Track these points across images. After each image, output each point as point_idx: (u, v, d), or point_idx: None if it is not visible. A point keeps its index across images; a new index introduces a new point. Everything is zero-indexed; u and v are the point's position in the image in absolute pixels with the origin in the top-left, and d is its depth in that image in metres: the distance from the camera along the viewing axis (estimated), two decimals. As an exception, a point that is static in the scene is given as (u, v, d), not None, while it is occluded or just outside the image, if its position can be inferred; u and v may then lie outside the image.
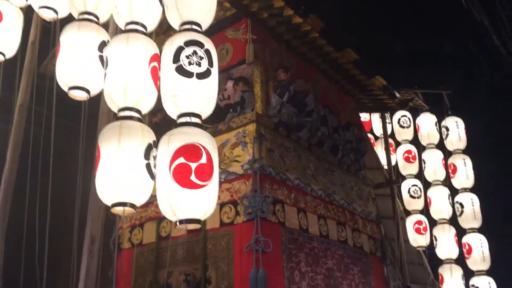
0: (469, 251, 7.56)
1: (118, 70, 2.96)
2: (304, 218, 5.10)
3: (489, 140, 9.54)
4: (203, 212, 2.75)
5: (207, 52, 3.04)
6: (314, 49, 6.02)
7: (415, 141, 8.66)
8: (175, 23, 3.15)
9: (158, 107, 3.24)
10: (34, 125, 4.67)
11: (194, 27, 3.09)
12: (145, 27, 3.17)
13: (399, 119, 8.77)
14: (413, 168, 8.42)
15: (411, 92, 7.40)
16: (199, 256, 4.73)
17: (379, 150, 8.73)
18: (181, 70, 2.92)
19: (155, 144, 2.96)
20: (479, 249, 7.48)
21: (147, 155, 2.85)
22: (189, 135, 2.79)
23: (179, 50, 2.98)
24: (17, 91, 4.62)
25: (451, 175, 8.06)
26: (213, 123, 4.96)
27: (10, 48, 4.27)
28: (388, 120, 8.74)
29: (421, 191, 8.17)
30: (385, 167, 8.33)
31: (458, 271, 7.49)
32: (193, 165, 2.71)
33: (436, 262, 7.78)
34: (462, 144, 8.16)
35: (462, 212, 7.77)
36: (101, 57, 3.23)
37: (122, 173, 2.80)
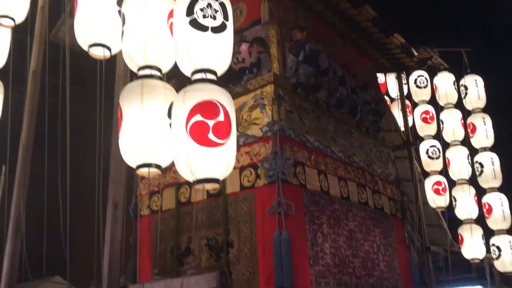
0: (489, 210, 7.48)
1: (137, 26, 2.86)
2: (325, 180, 5.02)
3: (508, 98, 9.31)
4: (222, 171, 2.66)
5: (222, 5, 2.92)
6: (330, 7, 5.83)
7: (433, 101, 8.50)
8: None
9: (173, 72, 3.14)
10: (49, 95, 4.59)
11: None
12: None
13: (416, 80, 8.60)
14: (431, 129, 8.30)
15: (429, 50, 7.18)
16: (220, 221, 4.69)
17: (396, 112, 8.57)
18: (195, 24, 2.80)
19: (178, 103, 2.86)
20: (500, 208, 7.41)
21: (170, 114, 2.75)
22: (205, 91, 2.69)
23: (193, 2, 2.85)
24: (29, 58, 4.52)
25: (470, 134, 7.92)
26: (229, 86, 4.84)
27: (20, 13, 4.15)
28: (404, 81, 8.56)
29: (439, 152, 8.06)
30: (402, 129, 8.20)
31: (478, 231, 7.44)
32: (211, 123, 2.62)
33: (457, 225, 7.72)
34: (482, 102, 7.99)
35: (481, 172, 7.67)
36: (120, 13, 3.11)
37: (146, 133, 2.72)
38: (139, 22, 2.85)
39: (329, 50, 5.89)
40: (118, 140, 2.86)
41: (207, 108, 2.63)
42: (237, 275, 4.41)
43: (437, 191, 7.91)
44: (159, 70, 2.92)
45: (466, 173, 7.71)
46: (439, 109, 8.29)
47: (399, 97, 8.31)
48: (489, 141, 7.78)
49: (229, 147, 2.67)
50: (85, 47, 3.14)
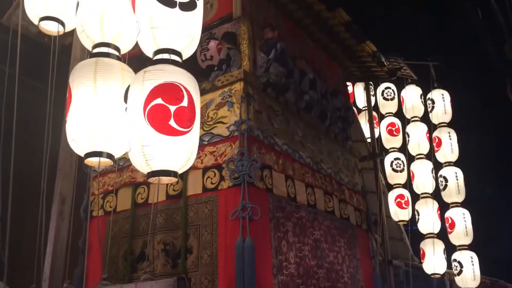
0: (452, 225, 7.45)
1: (93, -1, 2.52)
2: (292, 186, 4.78)
3: (474, 114, 9.40)
4: (181, 163, 2.37)
5: (193, -20, 2.63)
6: (304, 8, 5.64)
7: (399, 114, 8.47)
8: None
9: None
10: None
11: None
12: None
13: (383, 91, 8.57)
14: (397, 142, 8.25)
15: (400, 61, 7.12)
16: (179, 224, 4.36)
17: (363, 123, 8.50)
18: (161, -2, 2.50)
19: (137, 87, 2.54)
20: (462, 223, 7.39)
21: (127, 98, 2.44)
22: (168, 72, 2.40)
23: (160, -27, 2.55)
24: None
25: (436, 148, 7.91)
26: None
27: None
28: (371, 93, 8.50)
29: (404, 165, 8.00)
30: (369, 140, 8.12)
31: (440, 245, 7.38)
32: (172, 108, 2.33)
33: (419, 239, 7.65)
34: (448, 117, 8.01)
35: (445, 186, 7.65)
36: (74, -16, 2.78)
37: (98, 117, 2.40)
38: (97, -6, 2.53)
39: (300, 52, 5.70)
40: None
41: (170, 91, 2.34)
42: (195, 283, 4.09)
43: (399, 205, 7.83)
44: (117, 48, 2.61)
45: (430, 187, 7.67)
46: (405, 122, 8.26)
47: (366, 108, 8.22)
48: (454, 155, 7.78)
49: (192, 137, 2.38)
50: (35, 21, 2.79)
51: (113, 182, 5.02)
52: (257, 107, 4.57)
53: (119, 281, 4.44)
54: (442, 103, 7.98)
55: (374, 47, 6.40)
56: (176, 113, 2.30)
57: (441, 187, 7.71)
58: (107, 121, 2.41)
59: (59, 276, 2.78)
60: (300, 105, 5.28)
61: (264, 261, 4.11)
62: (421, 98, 8.22)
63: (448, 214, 7.57)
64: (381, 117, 8.54)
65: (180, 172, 2.42)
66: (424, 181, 7.69)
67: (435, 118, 8.01)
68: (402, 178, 7.97)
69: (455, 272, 7.30)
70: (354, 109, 8.61)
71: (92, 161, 2.54)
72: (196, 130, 2.41)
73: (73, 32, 3.15)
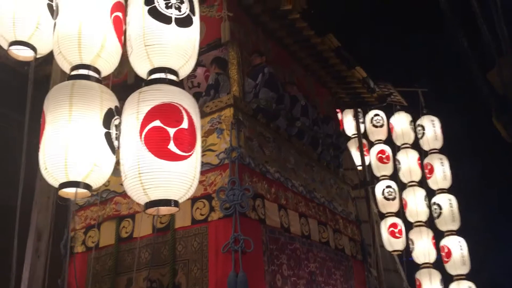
0: (448, 254, 7.24)
1: (71, 18, 2.33)
2: (285, 216, 4.55)
3: (464, 140, 9.34)
4: (183, 191, 2.15)
5: (188, -5, 2.46)
6: (293, 34, 5.53)
7: (389, 141, 8.35)
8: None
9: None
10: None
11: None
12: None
13: (372, 118, 8.46)
14: (387, 169, 8.09)
15: (389, 86, 7.03)
16: (167, 260, 4.08)
17: (352, 151, 8.35)
18: (156, 14, 2.34)
19: (118, 110, 2.34)
20: (459, 252, 7.18)
21: (106, 123, 2.23)
22: (166, 92, 2.20)
23: (153, -12, 2.37)
24: None
25: (428, 175, 7.78)
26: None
27: None
28: (360, 120, 8.39)
29: (396, 193, 7.83)
30: (359, 168, 7.94)
31: (436, 276, 7.16)
32: (172, 131, 2.12)
33: (415, 268, 7.41)
34: (439, 143, 7.91)
35: (440, 214, 7.47)
36: (50, 6, 2.60)
37: (73, 144, 2.16)
38: (74, 13, 2.33)
39: (289, 78, 5.57)
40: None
41: (168, 112, 2.14)
42: (184, 323, 3.80)
43: (393, 234, 7.62)
44: (96, 71, 2.40)
45: (424, 215, 7.50)
46: (395, 149, 8.14)
47: (355, 136, 8.09)
48: (447, 182, 7.64)
49: (193, 162, 2.17)
50: (4, 46, 2.59)
51: (95, 215, 4.74)
52: (248, 134, 4.38)
53: (101, 323, 4.13)
54: (432, 129, 7.89)
55: (364, 73, 6.30)
56: (176, 136, 2.10)
57: (435, 215, 7.53)
58: (84, 148, 2.18)
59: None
60: (291, 131, 5.10)
61: (259, 297, 3.85)
62: (410, 124, 8.13)
63: (443, 242, 7.38)
64: (371, 144, 8.41)
65: (181, 201, 2.19)
66: (417, 209, 7.51)
67: (426, 144, 7.90)
68: (394, 206, 7.78)
69: (454, 303, 7.07)
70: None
71: (67, 192, 2.29)
72: (197, 155, 2.20)
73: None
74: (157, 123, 2.10)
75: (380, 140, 8.32)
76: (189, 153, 2.13)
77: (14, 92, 3.84)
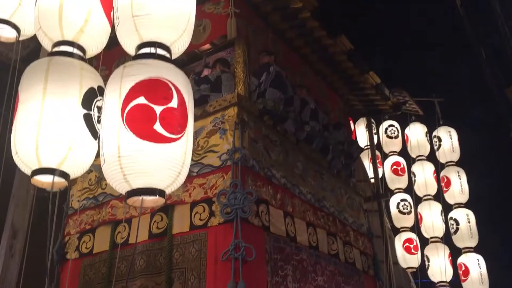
0: (466, 273, 6.83)
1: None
2: (292, 224, 4.24)
3: (482, 153, 8.95)
4: (170, 178, 1.87)
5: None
6: (304, 35, 5.29)
7: (404, 152, 8.01)
8: None
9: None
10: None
11: None
12: None
13: (386, 129, 8.14)
14: (402, 182, 7.74)
15: (405, 94, 6.73)
16: (163, 268, 3.80)
17: (365, 162, 8.02)
18: (146, -20, 2.07)
19: (102, 91, 2.08)
20: (477, 270, 6.76)
21: (87, 103, 1.97)
22: (153, 67, 1.93)
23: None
24: None
25: (444, 189, 7.40)
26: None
27: None
28: (373, 131, 8.07)
29: (411, 207, 7.47)
30: (372, 180, 7.61)
31: (453, 296, 6.74)
32: (158, 109, 1.84)
33: (430, 287, 7.01)
34: (456, 155, 7.54)
35: (457, 229, 7.08)
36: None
37: (46, 125, 1.91)
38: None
39: (300, 81, 5.31)
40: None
41: (155, 88, 1.87)
42: (179, 337, 3.50)
43: (408, 250, 7.24)
44: (81, 48, 2.16)
45: (440, 231, 7.11)
46: (410, 161, 7.80)
47: (368, 147, 7.77)
48: (464, 196, 7.26)
49: (183, 146, 1.89)
50: None
51: (91, 220, 4.50)
52: (253, 135, 4.11)
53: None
54: (449, 141, 7.54)
55: (377, 79, 6.03)
56: (163, 115, 1.83)
57: (452, 231, 7.14)
58: (58, 130, 1.93)
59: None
60: (300, 136, 4.82)
61: (260, 311, 3.54)
62: (426, 136, 7.80)
63: (461, 260, 6.97)
64: (385, 156, 8.07)
65: (168, 190, 1.91)
66: (433, 224, 7.13)
67: (442, 156, 7.55)
68: (409, 221, 7.41)
69: (472, 324, 6.63)
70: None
71: (41, 181, 2.03)
72: (188, 139, 1.92)
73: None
74: (141, 100, 1.82)
75: (395, 151, 7.99)
76: (179, 136, 1.85)
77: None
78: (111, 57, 4.42)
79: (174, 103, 1.86)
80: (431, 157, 7.68)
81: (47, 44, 2.21)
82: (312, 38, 5.30)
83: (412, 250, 7.17)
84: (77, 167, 2.03)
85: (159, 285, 3.77)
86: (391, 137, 8.02)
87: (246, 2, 4.79)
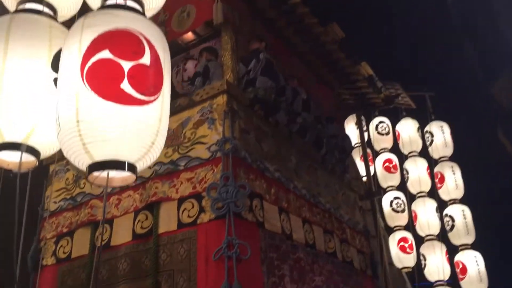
0: (463, 270, 6.60)
1: None
2: (287, 221, 3.95)
3: (475, 147, 8.77)
4: (141, 149, 1.52)
5: None
6: (293, 23, 5.02)
7: (395, 149, 7.78)
8: None
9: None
10: None
11: None
12: None
13: (377, 126, 7.90)
14: (395, 179, 7.49)
15: (397, 87, 6.50)
16: (148, 271, 3.46)
17: (356, 161, 7.76)
18: None
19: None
20: (475, 268, 6.54)
21: (57, 66, 1.62)
22: (121, 17, 1.57)
23: None
24: None
25: (438, 185, 7.19)
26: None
27: None
28: (363, 128, 7.83)
29: (404, 205, 7.22)
30: (364, 179, 7.35)
31: (451, 295, 6.50)
32: (127, 65, 1.49)
33: (427, 286, 6.76)
34: (449, 150, 7.35)
35: (452, 226, 6.86)
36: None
37: (8, 91, 1.58)
38: None
39: (290, 72, 5.04)
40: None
41: (123, 41, 1.52)
42: None
43: (403, 249, 6.97)
44: (50, 7, 1.84)
45: (436, 228, 6.88)
46: (403, 157, 7.57)
47: (359, 145, 7.52)
48: (459, 192, 7.06)
49: (158, 110, 1.55)
50: None
51: (68, 222, 4.14)
52: (243, 126, 3.81)
53: None
54: (442, 136, 7.34)
55: (370, 70, 5.79)
56: (133, 72, 1.47)
57: (448, 228, 6.92)
58: (25, 98, 1.61)
59: None
60: (292, 127, 4.55)
61: (256, 314, 3.23)
62: (418, 131, 7.59)
63: (458, 258, 6.74)
64: (376, 153, 7.83)
65: (140, 165, 1.56)
66: (428, 221, 6.90)
67: (435, 152, 7.34)
68: (403, 219, 7.16)
69: (472, 324, 6.40)
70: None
71: (7, 160, 1.70)
72: (164, 103, 1.58)
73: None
74: (105, 54, 1.47)
75: (386, 148, 7.74)
76: (152, 98, 1.51)
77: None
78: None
79: (146, 60, 1.52)
80: (424, 153, 7.48)
81: (11, 4, 1.89)
82: (302, 25, 5.04)
83: (407, 249, 6.91)
84: (48, 142, 1.69)
85: (145, 289, 3.44)
86: (382, 134, 7.79)
87: (232, -12, 4.51)
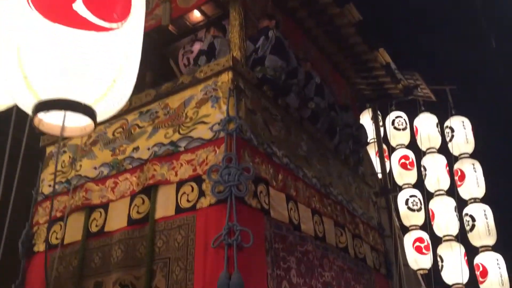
0: (484, 273, 6.22)
1: None
2: (295, 210, 3.65)
3: (497, 144, 8.34)
4: (100, 88, 1.22)
5: None
6: (308, 3, 4.73)
7: (413, 145, 7.44)
8: None
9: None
10: None
11: None
12: None
13: (394, 121, 7.57)
14: (411, 176, 7.15)
15: (416, 77, 6.16)
16: (143, 259, 3.19)
17: (371, 157, 7.42)
18: None
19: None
20: (496, 271, 6.15)
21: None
22: None
23: None
24: None
25: (458, 183, 6.82)
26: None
27: None
28: (380, 123, 7.49)
29: (421, 203, 6.87)
30: (379, 176, 7.01)
31: (470, 299, 6.13)
32: None
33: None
34: (470, 147, 6.97)
35: (473, 226, 6.48)
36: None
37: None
38: None
39: (303, 57, 4.74)
40: None
41: None
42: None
43: (419, 249, 6.63)
44: None
45: (454, 229, 6.52)
46: (420, 154, 7.22)
47: (374, 140, 7.18)
48: (481, 190, 6.67)
49: (122, 41, 1.25)
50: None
51: (62, 206, 3.89)
52: (250, 106, 3.52)
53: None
54: (463, 132, 6.97)
55: (388, 57, 5.46)
56: None
57: (468, 228, 6.55)
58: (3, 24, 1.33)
59: None
60: (304, 113, 4.26)
61: (258, 308, 2.94)
62: (437, 127, 7.23)
63: (478, 260, 6.36)
64: (392, 149, 7.48)
65: (99, 108, 1.25)
66: (446, 221, 6.55)
67: (455, 148, 6.97)
68: (419, 218, 6.81)
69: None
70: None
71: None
72: (132, 33, 1.28)
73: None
74: None
75: (403, 144, 7.41)
76: (115, 25, 1.21)
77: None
78: None
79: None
80: (443, 149, 7.11)
81: None
82: (317, 7, 4.74)
83: (423, 250, 6.57)
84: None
85: (139, 279, 3.17)
86: (398, 129, 7.46)
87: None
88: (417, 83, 6.20)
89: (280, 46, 3.91)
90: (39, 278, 3.60)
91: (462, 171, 6.78)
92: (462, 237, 6.49)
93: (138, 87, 3.89)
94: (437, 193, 6.82)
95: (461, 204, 6.70)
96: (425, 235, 6.67)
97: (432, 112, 7.25)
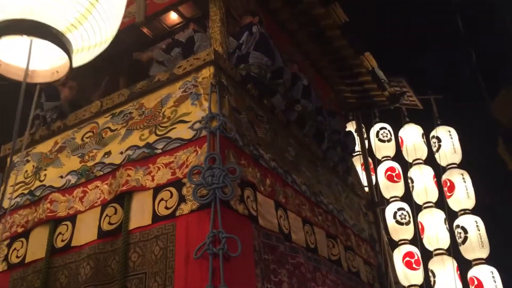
0: (480, 287, 5.93)
1: None
2: (285, 218, 3.32)
3: (483, 154, 8.18)
4: (73, 11, 0.90)
5: None
6: (291, 4, 4.49)
7: (398, 157, 7.22)
8: None
9: None
10: None
11: None
12: None
13: (378, 132, 7.37)
14: (399, 189, 6.91)
15: (403, 84, 5.96)
16: (116, 275, 2.80)
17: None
18: None
19: None
20: (492, 284, 5.89)
21: None
22: None
23: None
24: None
25: (448, 194, 6.59)
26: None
27: None
28: (364, 136, 7.27)
29: (410, 216, 6.61)
30: (366, 189, 6.74)
31: (466, 315, 5.84)
32: None
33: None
34: (458, 157, 6.78)
35: (465, 238, 6.23)
36: None
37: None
38: None
39: (288, 58, 4.48)
40: None
41: None
42: None
43: (409, 265, 6.34)
44: None
45: (445, 242, 6.26)
46: (407, 165, 7.00)
47: (359, 153, 6.94)
48: (471, 202, 6.46)
49: None
50: None
51: (24, 220, 3.47)
52: (234, 104, 3.21)
53: None
54: (450, 141, 6.79)
55: (374, 62, 5.25)
56: None
57: (460, 241, 6.30)
58: None
59: None
60: (290, 116, 3.97)
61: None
62: (422, 137, 7.04)
63: (472, 273, 6.10)
64: (378, 162, 7.25)
65: (72, 37, 0.93)
66: (436, 234, 6.30)
67: (443, 159, 6.78)
68: (408, 232, 6.55)
69: None
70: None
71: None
72: None
73: None
74: None
75: (388, 156, 7.19)
76: None
77: None
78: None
79: None
80: (429, 160, 6.91)
81: None
82: (301, 7, 4.51)
83: (414, 265, 6.29)
84: None
85: (110, 298, 2.77)
86: (383, 141, 7.24)
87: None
88: (404, 90, 6.00)
89: (264, 43, 3.64)
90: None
91: (451, 182, 6.57)
92: (454, 250, 6.23)
93: (111, 94, 3.58)
94: (426, 205, 6.59)
95: (451, 216, 6.47)
96: (415, 250, 6.41)
97: (416, 122, 7.07)
